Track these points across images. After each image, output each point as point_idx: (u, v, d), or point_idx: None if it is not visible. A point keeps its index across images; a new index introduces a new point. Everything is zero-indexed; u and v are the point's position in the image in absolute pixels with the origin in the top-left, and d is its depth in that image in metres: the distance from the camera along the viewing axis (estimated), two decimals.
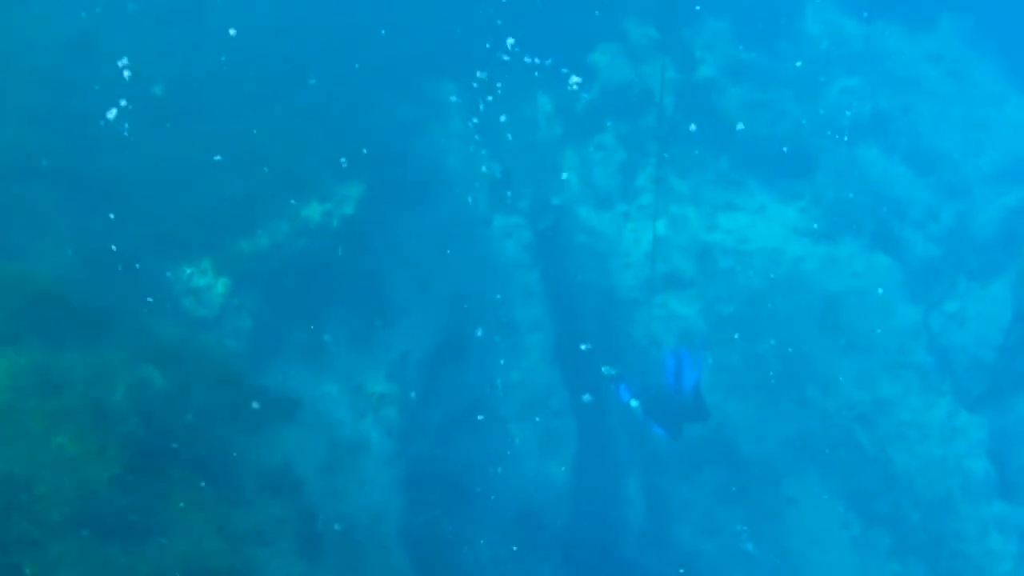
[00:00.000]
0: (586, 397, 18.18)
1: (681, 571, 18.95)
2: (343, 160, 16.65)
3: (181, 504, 12.69)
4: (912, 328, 19.19)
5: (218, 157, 15.63)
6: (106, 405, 12.40)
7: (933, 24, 21.30)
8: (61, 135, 14.90)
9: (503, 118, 19.13)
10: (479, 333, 18.27)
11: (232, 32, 16.47)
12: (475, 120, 18.96)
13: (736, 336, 19.05)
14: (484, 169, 18.82)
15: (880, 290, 19.14)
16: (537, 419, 18.42)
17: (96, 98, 15.31)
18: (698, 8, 20.27)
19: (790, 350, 18.87)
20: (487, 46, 18.75)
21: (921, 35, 21.18)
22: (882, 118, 20.42)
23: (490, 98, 18.98)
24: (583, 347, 18.17)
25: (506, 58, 18.91)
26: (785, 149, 19.67)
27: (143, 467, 12.51)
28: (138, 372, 13.12)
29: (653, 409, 15.90)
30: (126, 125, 15.35)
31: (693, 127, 19.68)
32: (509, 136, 19.12)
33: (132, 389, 12.82)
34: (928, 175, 20.32)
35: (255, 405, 14.90)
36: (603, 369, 17.51)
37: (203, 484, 13.23)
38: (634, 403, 16.41)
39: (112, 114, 15.30)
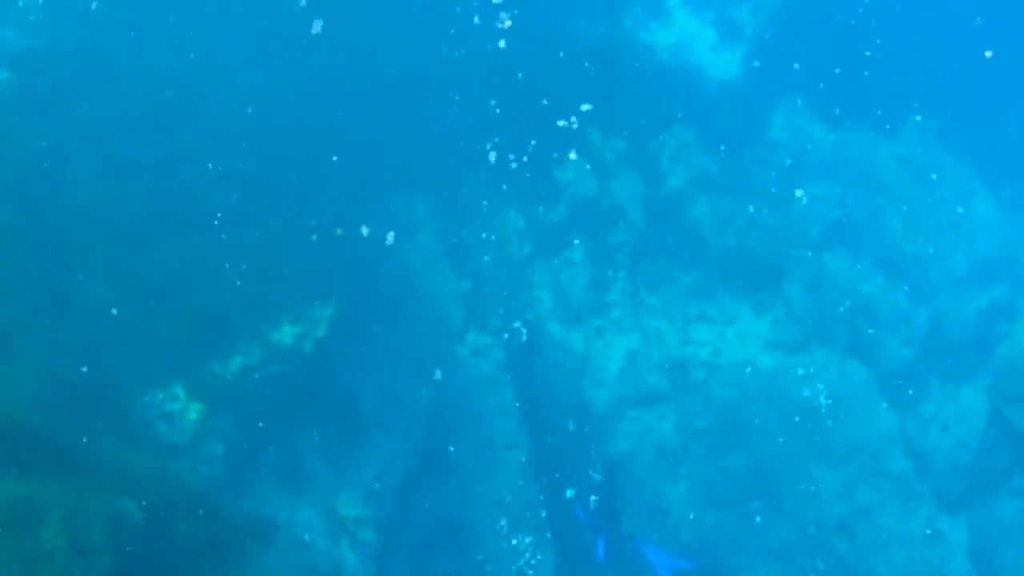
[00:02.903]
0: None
1: None
2: (314, 281, 16.68)
3: None
4: (888, 434, 19.13)
5: (188, 280, 15.62)
6: (84, 541, 12.27)
7: (900, 126, 21.33)
8: (28, 259, 14.92)
9: (472, 234, 19.26)
10: (454, 452, 18.22)
11: (203, 156, 16.58)
12: (444, 236, 19.04)
13: (711, 449, 19.04)
14: (455, 286, 18.89)
15: (855, 398, 19.18)
16: (515, 538, 18.28)
17: (60, 216, 15.29)
18: (664, 118, 20.43)
19: (766, 462, 18.83)
20: (454, 160, 18.90)
21: (889, 137, 21.19)
22: (851, 223, 20.45)
23: (459, 213, 19.10)
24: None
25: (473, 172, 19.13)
26: (755, 259, 19.73)
27: None
28: (114, 505, 12.98)
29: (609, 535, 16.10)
30: (93, 248, 15.34)
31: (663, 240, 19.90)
32: (479, 252, 19.20)
33: (109, 523, 12.64)
34: (899, 279, 20.32)
35: (231, 532, 14.81)
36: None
37: None
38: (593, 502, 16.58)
39: (78, 235, 15.31)
